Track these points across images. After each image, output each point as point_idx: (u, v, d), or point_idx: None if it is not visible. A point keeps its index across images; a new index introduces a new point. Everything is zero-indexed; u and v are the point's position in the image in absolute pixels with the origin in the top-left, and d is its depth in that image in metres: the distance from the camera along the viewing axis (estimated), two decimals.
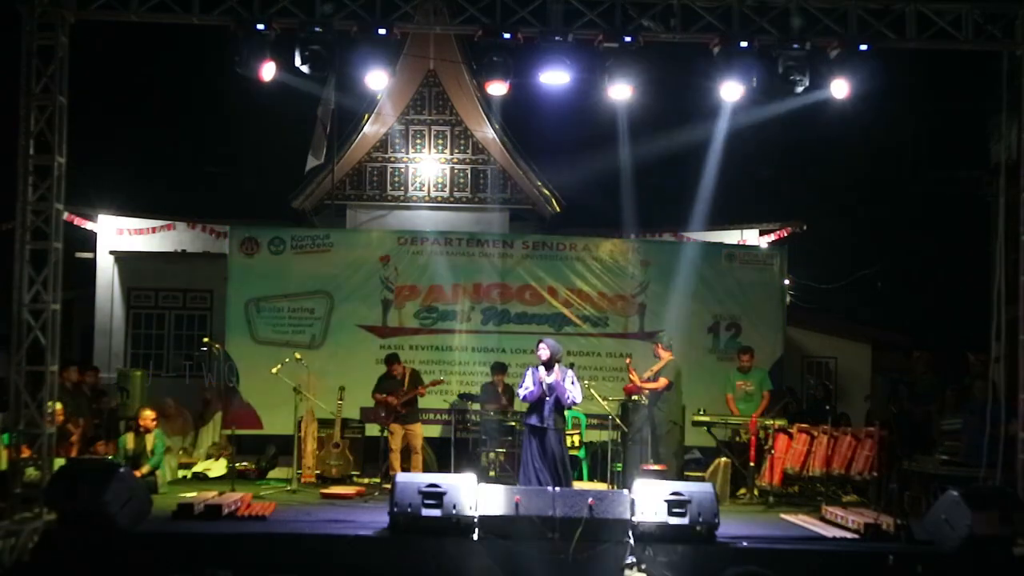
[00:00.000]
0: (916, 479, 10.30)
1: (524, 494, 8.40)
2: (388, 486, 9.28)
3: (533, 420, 9.77)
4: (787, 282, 14.23)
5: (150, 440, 10.88)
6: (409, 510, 8.18)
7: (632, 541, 8.11)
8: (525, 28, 9.46)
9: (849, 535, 8.84)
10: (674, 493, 8.29)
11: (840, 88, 9.59)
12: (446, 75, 16.49)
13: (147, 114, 21.97)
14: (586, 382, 10.64)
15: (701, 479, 10.47)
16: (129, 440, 10.93)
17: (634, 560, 8.00)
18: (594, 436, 12.18)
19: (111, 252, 16.27)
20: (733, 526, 8.97)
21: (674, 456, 11.33)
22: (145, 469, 10.55)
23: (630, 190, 14.53)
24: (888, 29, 9.54)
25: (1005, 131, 11.75)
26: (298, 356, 11.75)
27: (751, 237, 17.11)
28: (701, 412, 11.72)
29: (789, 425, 11.19)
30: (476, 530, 8.17)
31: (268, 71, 9.46)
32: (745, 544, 8.44)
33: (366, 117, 16.37)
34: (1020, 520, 8.28)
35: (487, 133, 16.58)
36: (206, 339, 13.25)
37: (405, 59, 14.81)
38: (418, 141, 16.99)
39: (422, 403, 11.97)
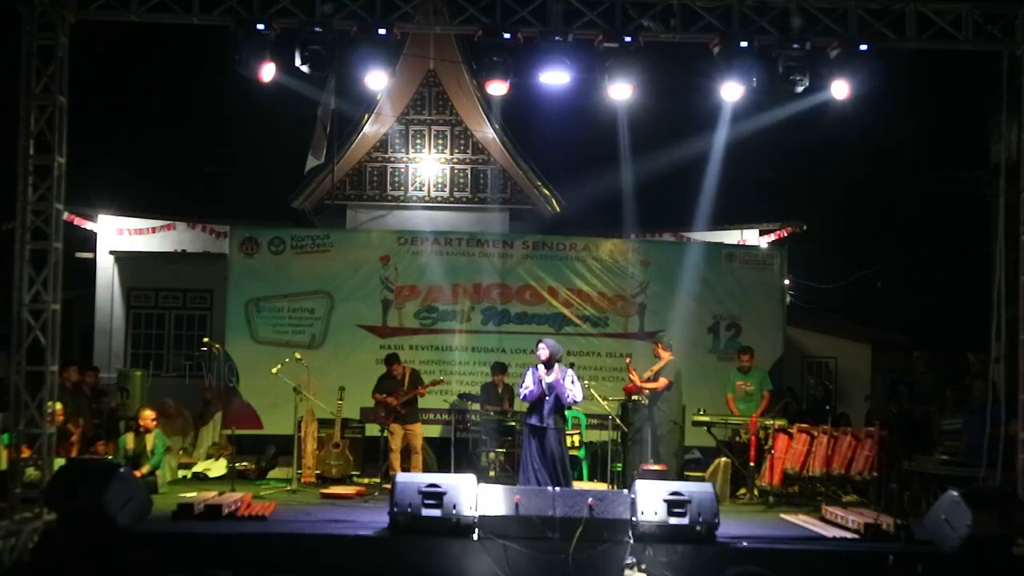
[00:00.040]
0: (916, 479, 10.30)
1: (524, 494, 8.40)
2: (388, 486, 9.27)
3: (533, 420, 9.77)
4: (787, 282, 14.24)
5: (150, 440, 10.88)
6: (409, 510, 8.18)
7: (632, 541, 8.11)
8: (525, 28, 9.45)
9: (849, 535, 8.83)
10: (674, 493, 8.29)
11: (841, 89, 9.59)
12: (446, 75, 16.49)
13: (147, 114, 21.98)
14: (586, 382, 10.64)
15: (701, 479, 10.47)
16: (129, 440, 10.93)
17: (634, 560, 8.00)
18: (594, 436, 12.18)
19: (111, 252, 16.28)
20: (733, 526, 8.97)
21: (674, 456, 11.32)
22: (145, 469, 10.55)
23: (630, 190, 14.53)
24: (888, 29, 9.53)
25: (1005, 131, 11.75)
26: (298, 356, 11.75)
27: (751, 237, 17.12)
28: (701, 412, 11.72)
29: (789, 425, 11.19)
30: (476, 530, 8.16)
31: (268, 72, 9.45)
32: (745, 544, 8.43)
33: (366, 117, 16.37)
34: (1020, 520, 8.28)
35: (487, 133, 16.58)
36: (206, 339, 13.26)
37: (405, 59, 14.82)
38: (418, 141, 16.99)
39: (422, 403, 11.97)
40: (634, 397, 11.34)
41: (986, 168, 16.67)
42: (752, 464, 11.06)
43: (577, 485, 10.36)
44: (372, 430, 12.24)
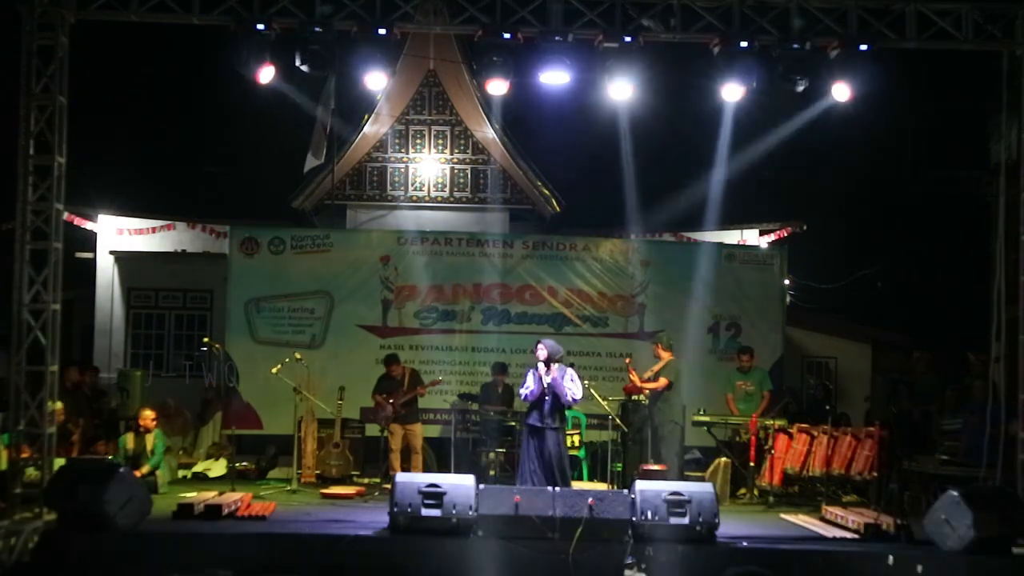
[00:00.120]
0: (916, 479, 10.30)
1: (524, 494, 8.40)
2: (388, 486, 9.27)
3: (532, 420, 9.77)
4: (787, 282, 14.23)
5: (150, 440, 10.88)
6: (409, 510, 8.18)
7: (632, 541, 8.11)
8: (525, 28, 9.46)
9: (849, 535, 8.84)
10: (674, 493, 8.30)
11: (842, 92, 9.60)
12: (446, 75, 16.49)
13: (147, 114, 21.97)
14: (586, 382, 10.64)
15: (701, 479, 10.47)
16: (129, 440, 10.93)
17: (634, 560, 8.00)
18: (594, 436, 12.17)
19: (111, 252, 16.28)
20: (733, 526, 8.98)
21: (674, 456, 11.31)
22: (145, 469, 10.55)
23: (630, 190, 14.52)
24: (888, 29, 9.54)
25: (1005, 131, 11.74)
26: (298, 356, 11.75)
27: (751, 237, 17.13)
28: (701, 412, 11.72)
29: (789, 425, 11.19)
30: (476, 530, 8.16)
31: (266, 75, 9.47)
32: (745, 544, 8.44)
33: (366, 117, 16.37)
34: (1020, 520, 8.29)
35: (487, 133, 16.58)
36: (206, 339, 13.25)
37: (405, 59, 14.81)
38: (418, 141, 17.00)
39: (422, 403, 11.97)
40: (634, 397, 11.33)
41: (986, 168, 16.67)
42: (752, 464, 11.06)
43: (577, 485, 10.35)
44: (372, 430, 12.24)
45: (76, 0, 9.15)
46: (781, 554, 8.30)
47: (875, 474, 10.59)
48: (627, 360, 11.57)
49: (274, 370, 11.36)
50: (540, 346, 9.85)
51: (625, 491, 8.62)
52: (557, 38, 9.40)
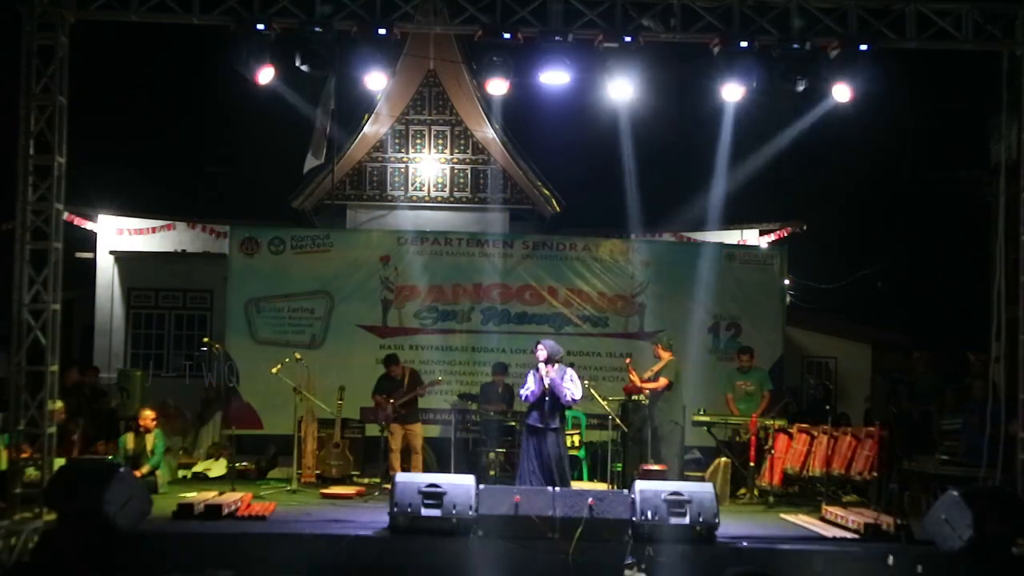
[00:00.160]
0: (916, 479, 10.30)
1: (524, 494, 8.40)
2: (388, 486, 9.28)
3: (532, 420, 9.77)
4: (787, 282, 14.23)
5: (150, 440, 10.88)
6: (409, 510, 8.19)
7: (632, 541, 8.11)
8: (525, 28, 9.46)
9: (849, 535, 8.84)
10: (674, 493, 8.30)
11: (842, 92, 9.60)
12: (446, 75, 16.49)
13: (147, 114, 21.97)
14: (586, 382, 10.64)
15: (701, 479, 10.47)
16: (129, 440, 10.93)
17: (634, 560, 8.00)
18: (594, 436, 12.17)
19: (111, 252, 16.28)
20: (733, 526, 8.98)
21: (674, 456, 11.32)
22: (145, 469, 10.55)
23: (630, 190, 14.53)
24: (888, 29, 9.54)
25: (1005, 131, 11.73)
26: (298, 356, 11.75)
27: (751, 237, 17.13)
28: (701, 412, 11.72)
29: (789, 425, 11.18)
30: (476, 530, 8.17)
31: (265, 75, 9.47)
32: (745, 544, 8.44)
33: (366, 117, 16.38)
34: (1020, 520, 8.29)
35: (487, 133, 16.59)
36: (206, 339, 13.26)
37: (405, 59, 14.81)
38: (418, 141, 17.00)
39: (422, 403, 11.97)
40: (634, 397, 11.34)
41: (986, 168, 16.66)
42: (752, 464, 11.05)
43: (577, 485, 10.36)
44: (372, 430, 12.22)
45: (76, 0, 9.15)
46: (781, 554, 8.31)
47: (875, 474, 10.59)
48: (627, 360, 11.57)
49: (274, 370, 11.36)
50: (540, 346, 9.85)
51: (625, 491, 8.63)
52: (557, 38, 9.41)
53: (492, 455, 11.42)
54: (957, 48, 9.67)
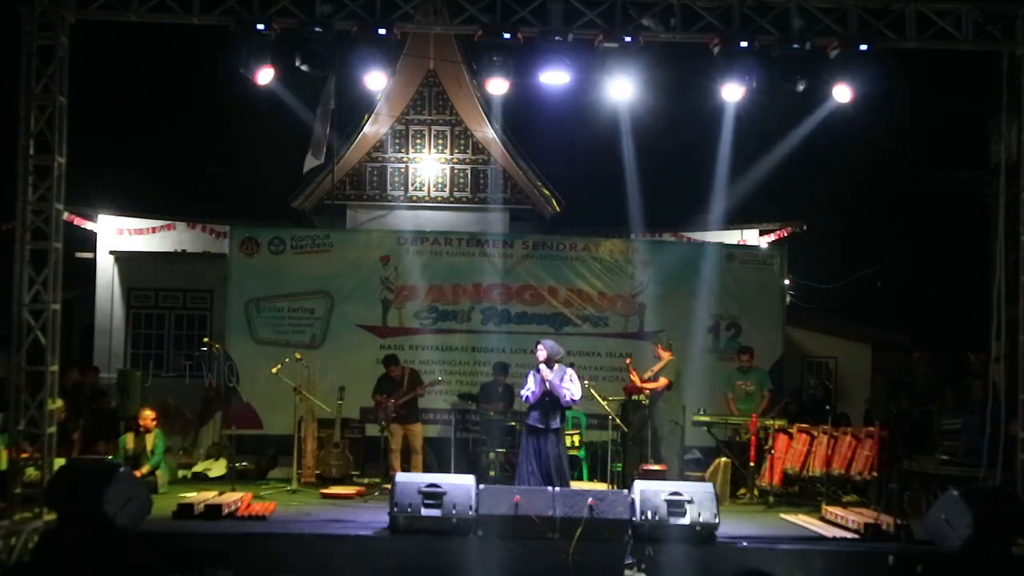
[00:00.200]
0: (916, 479, 10.30)
1: (524, 494, 8.41)
2: (388, 486, 9.28)
3: (532, 420, 9.78)
4: (787, 282, 14.22)
5: (150, 440, 10.88)
6: (409, 510, 8.19)
7: (632, 541, 8.11)
8: (525, 28, 9.46)
9: (849, 535, 8.84)
10: (674, 493, 8.31)
11: (843, 93, 9.60)
12: (446, 75, 16.49)
13: (147, 114, 21.97)
14: (586, 382, 10.64)
15: (701, 479, 10.47)
16: (129, 440, 10.93)
17: (634, 560, 8.01)
18: (594, 436, 12.17)
19: (111, 252, 16.28)
20: (733, 526, 8.98)
21: (674, 456, 11.32)
22: (145, 469, 10.55)
23: (630, 190, 14.52)
24: (888, 29, 9.54)
25: (1005, 131, 11.73)
26: (298, 356, 11.76)
27: (751, 237, 17.13)
28: (701, 412, 11.72)
29: (789, 425, 11.18)
30: (476, 530, 8.17)
31: (264, 76, 9.48)
32: (745, 544, 8.44)
33: (366, 117, 16.38)
34: (1020, 520, 8.29)
35: (487, 133, 16.59)
36: (206, 339, 13.26)
37: (405, 59, 14.81)
38: (418, 141, 17.00)
39: (422, 403, 11.97)
40: (634, 397, 11.34)
41: (986, 168, 16.66)
42: (752, 464, 11.05)
43: (577, 485, 10.36)
44: (372, 430, 12.24)
45: (76, 0, 9.15)
46: (781, 554, 8.31)
47: (875, 474, 10.59)
48: (627, 360, 11.57)
49: (274, 370, 11.37)
50: (540, 347, 9.86)
51: (625, 491, 8.63)
52: (557, 38, 9.41)
53: (492, 455, 11.42)
54: (957, 48, 9.68)
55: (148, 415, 10.99)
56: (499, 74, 9.65)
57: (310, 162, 16.19)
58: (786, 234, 17.00)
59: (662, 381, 11.26)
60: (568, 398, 9.71)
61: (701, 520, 8.20)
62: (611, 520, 8.18)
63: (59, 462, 9.26)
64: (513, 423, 11.43)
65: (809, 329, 16.10)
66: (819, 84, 9.62)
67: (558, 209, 16.88)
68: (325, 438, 12.05)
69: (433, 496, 8.21)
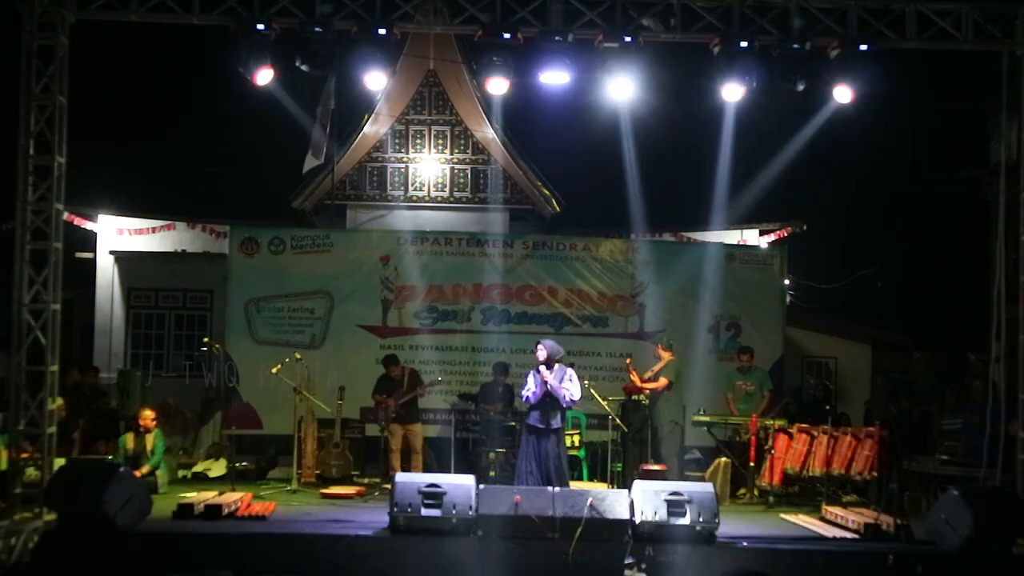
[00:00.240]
0: (916, 479, 10.30)
1: (524, 494, 8.40)
2: (388, 486, 9.28)
3: (533, 420, 9.78)
4: (787, 282, 14.22)
5: (150, 440, 10.88)
6: (409, 510, 8.18)
7: (632, 541, 8.11)
8: (525, 28, 9.46)
9: (849, 535, 8.84)
10: (674, 493, 8.30)
11: (844, 94, 9.61)
12: (446, 75, 16.49)
13: (147, 114, 21.97)
14: (586, 382, 10.64)
15: (701, 479, 10.47)
16: (129, 440, 10.93)
17: (634, 560, 8.00)
18: (594, 436, 12.17)
19: (111, 252, 16.28)
20: (733, 526, 8.97)
21: (674, 456, 11.32)
22: (145, 469, 10.55)
23: (630, 190, 14.53)
24: (888, 29, 9.54)
25: (1005, 131, 11.73)
26: (298, 356, 11.76)
27: (751, 237, 17.13)
28: (701, 412, 11.72)
29: (789, 425, 11.19)
30: (476, 530, 8.17)
31: (263, 77, 9.48)
32: (745, 544, 8.44)
33: (366, 117, 16.38)
34: (1020, 520, 8.28)
35: (487, 133, 16.59)
36: (206, 339, 13.26)
37: (405, 59, 14.82)
38: (418, 141, 17.00)
39: (422, 403, 11.97)
40: (634, 397, 11.34)
41: (986, 168, 16.66)
42: (752, 464, 11.05)
43: (577, 485, 10.36)
44: (372, 430, 12.24)
45: (76, 0, 9.15)
46: (781, 554, 8.30)
47: (875, 474, 10.59)
48: (627, 360, 11.57)
49: (274, 370, 11.37)
50: (540, 347, 9.86)
51: (625, 491, 8.62)
52: (557, 38, 9.41)
53: (492, 455, 11.42)
54: (957, 48, 9.67)
55: (148, 415, 10.99)
56: (499, 74, 9.65)
57: (310, 162, 16.19)
58: (786, 234, 17.01)
59: (662, 381, 11.26)
60: (568, 399, 9.71)
61: (701, 520, 8.19)
62: (611, 520, 8.17)
63: (59, 462, 9.26)
64: (513, 423, 11.43)
65: (809, 329, 16.10)
66: (819, 84, 9.62)
67: (558, 209, 16.88)
68: (325, 438, 12.05)
69: (433, 496, 8.20)
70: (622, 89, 9.78)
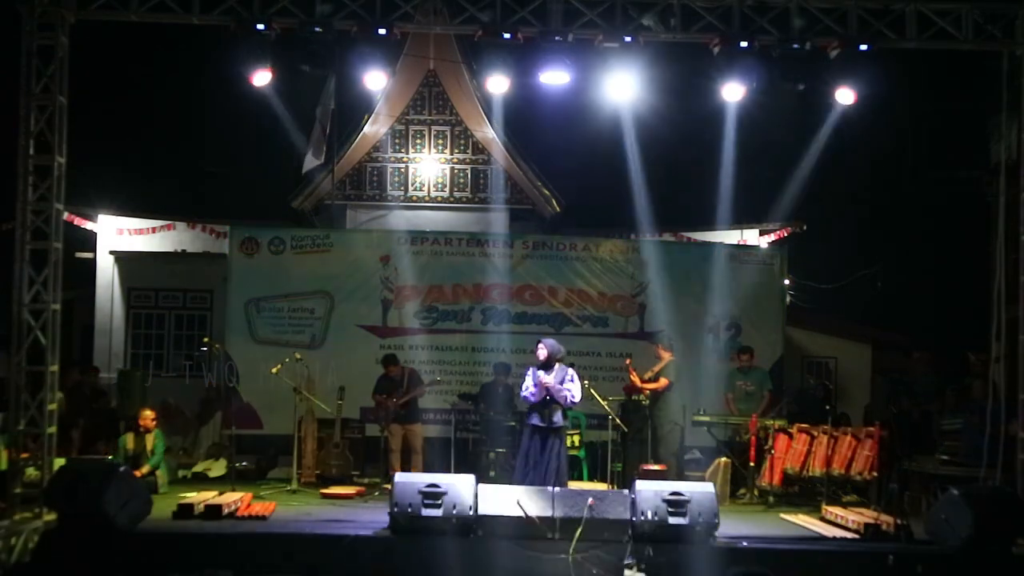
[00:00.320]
0: (916, 479, 10.30)
1: (524, 494, 8.40)
2: (388, 486, 9.27)
3: (533, 419, 9.78)
4: (787, 282, 14.22)
5: (150, 440, 10.88)
6: (409, 510, 8.19)
7: (632, 541, 8.11)
8: (525, 28, 9.46)
9: (849, 535, 8.84)
10: (674, 493, 8.30)
11: (846, 96, 9.61)
12: (446, 75, 16.49)
13: (147, 114, 21.97)
14: (586, 382, 10.64)
15: (701, 479, 10.46)
16: (129, 440, 10.92)
17: (634, 560, 8.00)
18: (594, 436, 12.16)
19: (111, 252, 16.28)
20: (733, 526, 8.98)
21: (674, 456, 11.32)
22: (145, 469, 10.55)
23: (630, 190, 14.52)
24: (888, 29, 9.54)
25: (1005, 131, 11.74)
26: (298, 356, 11.77)
27: (751, 237, 17.12)
28: (701, 412, 11.72)
29: (789, 425, 11.18)
30: (476, 530, 8.17)
31: (261, 78, 9.48)
32: (745, 544, 8.44)
33: (366, 117, 16.38)
34: (1020, 520, 8.29)
35: (487, 133, 16.59)
36: (206, 339, 13.28)
37: (405, 59, 14.84)
38: (418, 141, 17.00)
39: (422, 403, 11.97)
40: (634, 397, 11.34)
41: (986, 168, 16.66)
42: (752, 464, 11.05)
43: (577, 485, 10.35)
44: (372, 430, 12.23)
45: (76, 0, 9.15)
46: (781, 554, 8.30)
47: (875, 474, 10.58)
48: (627, 360, 11.57)
49: (274, 370, 11.37)
50: (540, 346, 9.86)
51: (625, 491, 8.62)
52: (557, 38, 9.41)
53: (492, 455, 11.42)
54: (957, 48, 9.67)
55: (148, 415, 10.99)
56: (499, 74, 9.65)
57: (310, 162, 16.19)
58: (786, 234, 17.00)
59: (662, 381, 11.25)
60: (570, 400, 9.71)
61: (701, 520, 8.19)
62: (611, 520, 8.17)
63: (59, 462, 9.25)
64: (513, 423, 11.42)
65: (809, 329, 16.09)
66: (819, 84, 9.62)
67: (558, 209, 16.88)
68: (325, 438, 12.04)
69: (433, 496, 8.20)
70: (622, 89, 9.77)
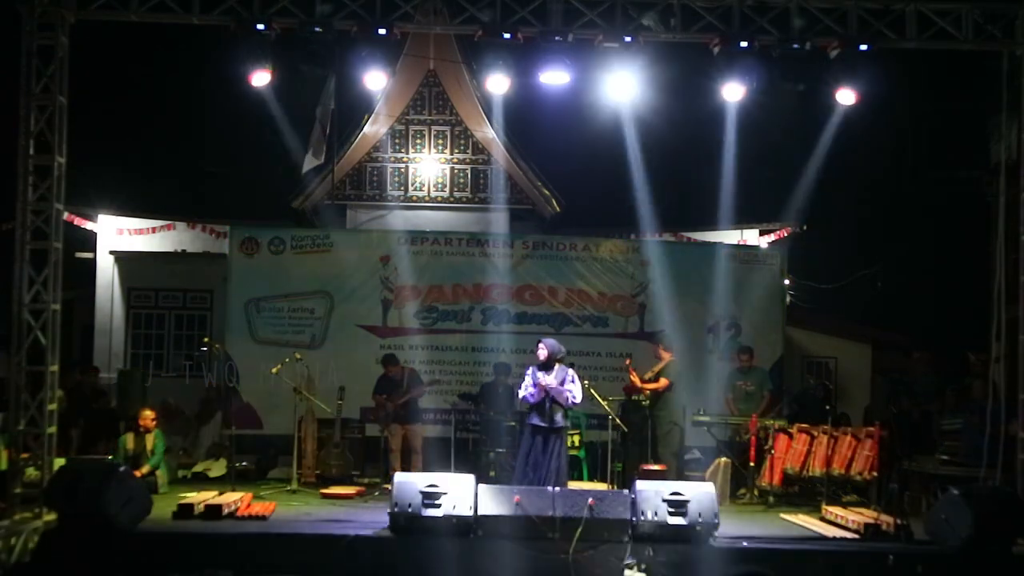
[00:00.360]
0: (916, 479, 10.30)
1: (524, 494, 8.41)
2: (388, 486, 9.28)
3: (534, 419, 9.78)
4: (787, 282, 14.22)
5: (150, 440, 10.88)
6: (409, 510, 8.19)
7: (632, 541, 8.11)
8: (525, 28, 9.47)
9: (849, 535, 8.84)
10: (674, 493, 8.30)
11: (847, 96, 9.61)
12: (446, 75, 16.49)
13: (147, 114, 21.97)
14: (586, 382, 10.64)
15: (701, 479, 10.46)
16: (129, 440, 10.92)
17: (634, 560, 8.01)
18: (594, 436, 12.15)
19: (111, 252, 16.28)
20: (733, 526, 8.98)
21: (674, 456, 11.32)
22: (145, 469, 10.55)
23: (630, 190, 14.52)
24: (888, 29, 9.54)
25: (1005, 131, 11.74)
26: (298, 356, 11.77)
27: (751, 237, 17.11)
28: (701, 412, 11.72)
29: (789, 425, 11.18)
30: (476, 530, 8.17)
31: (260, 79, 9.49)
32: (745, 544, 8.44)
33: (366, 117, 16.38)
34: (1020, 520, 8.29)
35: (487, 133, 16.58)
36: (206, 339, 13.28)
37: (405, 59, 14.82)
38: (418, 141, 17.00)
39: (422, 403, 11.97)
40: (634, 397, 11.34)
41: (986, 168, 16.66)
42: (752, 464, 11.05)
43: (577, 485, 10.35)
44: (372, 430, 12.23)
45: (76, 0, 9.15)
46: (781, 554, 8.31)
47: (875, 474, 10.58)
48: (627, 360, 11.57)
49: (274, 370, 11.37)
50: (541, 346, 9.86)
51: (625, 491, 8.63)
52: (557, 38, 9.41)
53: (492, 455, 11.42)
54: (957, 48, 9.68)
55: (148, 415, 10.99)
56: (499, 74, 9.65)
57: (310, 162, 16.19)
58: (786, 234, 16.99)
59: (662, 381, 11.26)
60: (569, 400, 9.71)
61: (701, 520, 8.20)
62: (611, 520, 8.18)
63: (59, 462, 9.26)
64: (513, 423, 11.42)
65: (809, 329, 16.09)
66: (820, 84, 9.62)
67: (558, 209, 16.88)
68: (325, 438, 12.04)
69: (433, 496, 8.21)
70: (622, 89, 9.77)
